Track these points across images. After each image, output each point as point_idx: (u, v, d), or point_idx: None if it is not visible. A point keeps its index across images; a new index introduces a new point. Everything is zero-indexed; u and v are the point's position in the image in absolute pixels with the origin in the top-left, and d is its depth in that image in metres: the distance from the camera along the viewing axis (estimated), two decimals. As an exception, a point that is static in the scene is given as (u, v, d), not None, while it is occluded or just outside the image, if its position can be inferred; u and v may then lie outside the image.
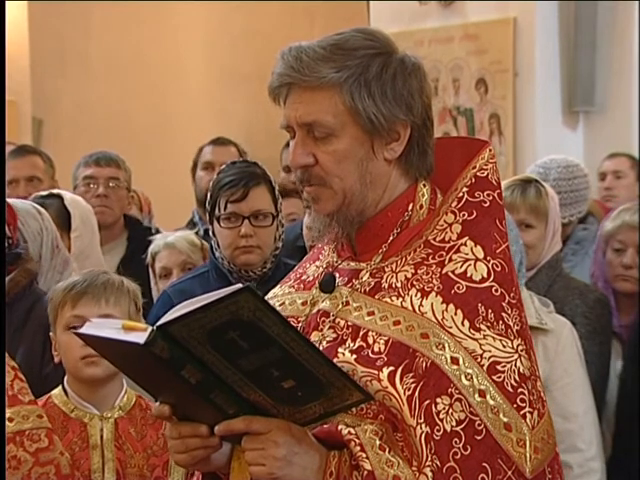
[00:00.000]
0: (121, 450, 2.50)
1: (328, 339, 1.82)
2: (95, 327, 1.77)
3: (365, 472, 1.69)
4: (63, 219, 3.53)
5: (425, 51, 6.08)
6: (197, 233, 3.67)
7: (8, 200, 3.15)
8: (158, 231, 4.37)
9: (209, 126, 8.11)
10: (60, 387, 2.55)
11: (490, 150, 1.91)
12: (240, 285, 1.61)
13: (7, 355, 2.23)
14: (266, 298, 1.98)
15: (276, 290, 2.01)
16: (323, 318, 1.85)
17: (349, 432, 1.71)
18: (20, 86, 7.78)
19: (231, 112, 8.32)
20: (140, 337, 1.63)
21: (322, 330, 1.83)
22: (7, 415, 2.15)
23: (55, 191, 3.91)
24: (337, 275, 1.88)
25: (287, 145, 5.08)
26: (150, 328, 1.64)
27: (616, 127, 6.02)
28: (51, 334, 2.55)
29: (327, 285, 1.87)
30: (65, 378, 2.55)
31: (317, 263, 1.96)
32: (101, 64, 8.23)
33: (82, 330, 1.78)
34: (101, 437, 2.50)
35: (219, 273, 3.15)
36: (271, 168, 3.28)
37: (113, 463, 2.49)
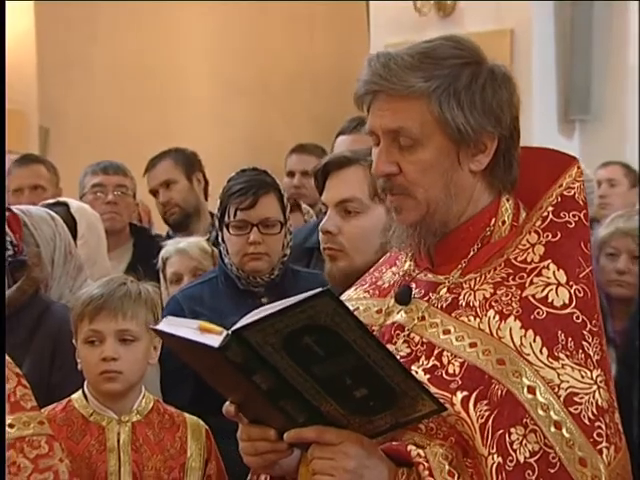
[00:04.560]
0: (138, 453, 2.49)
1: (402, 354, 1.75)
2: (172, 325, 1.74)
3: None
4: (69, 226, 3.50)
5: (424, 61, 6.08)
6: (209, 239, 3.67)
7: (20, 207, 3.16)
8: (169, 236, 4.40)
9: (211, 135, 8.11)
10: (80, 391, 2.54)
11: (578, 167, 1.83)
12: (320, 289, 1.54)
13: (11, 361, 2.19)
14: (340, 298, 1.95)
15: (350, 292, 1.94)
16: (398, 331, 1.78)
17: (418, 454, 1.66)
18: (27, 96, 7.76)
19: (233, 121, 8.32)
20: (215, 340, 1.59)
21: (396, 343, 1.77)
22: (8, 421, 2.11)
23: (61, 199, 3.89)
24: (413, 285, 1.82)
25: (292, 151, 5.13)
26: (225, 332, 1.59)
27: (611, 135, 6.03)
28: (73, 341, 2.54)
29: (403, 297, 1.81)
30: (85, 383, 2.54)
31: (393, 269, 1.89)
32: (106, 75, 8.21)
33: (159, 327, 1.75)
34: (118, 441, 2.49)
35: (227, 279, 3.13)
36: (274, 175, 3.28)
37: (129, 466, 2.48)
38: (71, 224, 3.55)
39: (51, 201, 3.80)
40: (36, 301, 2.85)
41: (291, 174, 4.96)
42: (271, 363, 1.60)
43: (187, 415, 2.60)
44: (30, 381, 2.24)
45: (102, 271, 3.47)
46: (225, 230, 3.15)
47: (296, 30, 8.28)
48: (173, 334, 1.71)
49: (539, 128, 6.06)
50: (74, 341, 2.55)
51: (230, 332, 1.59)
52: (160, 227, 5.22)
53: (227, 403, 1.75)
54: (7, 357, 2.22)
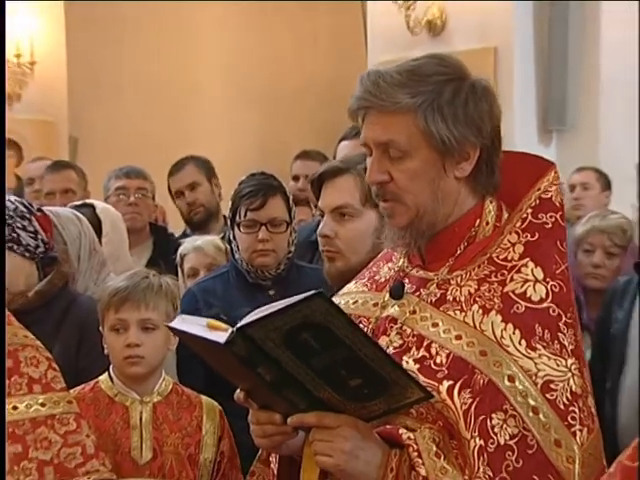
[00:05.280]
0: (158, 430, 2.49)
1: (395, 345, 1.75)
2: (184, 323, 1.75)
3: (420, 477, 1.64)
4: (95, 226, 3.51)
5: (416, 77, 6.08)
6: (223, 237, 3.66)
7: (49, 209, 3.16)
8: (185, 235, 4.40)
9: (225, 142, 8.12)
10: (106, 374, 2.55)
11: (555, 172, 1.82)
12: (314, 291, 1.55)
13: (42, 346, 2.20)
14: (342, 292, 1.95)
15: (351, 286, 1.95)
16: (391, 324, 1.79)
17: (408, 437, 1.66)
18: (58, 109, 7.76)
19: (246, 129, 8.32)
20: (221, 337, 1.60)
21: (390, 335, 1.77)
22: (40, 401, 2.13)
23: (88, 201, 3.91)
24: (406, 281, 1.82)
25: (297, 157, 5.13)
26: (231, 329, 1.60)
27: (585, 144, 6.02)
28: (100, 329, 2.54)
29: (397, 292, 1.81)
30: (111, 366, 2.55)
31: (389, 264, 1.90)
32: (130, 89, 8.21)
33: (173, 324, 1.77)
34: (140, 419, 2.50)
35: (238, 273, 3.13)
36: (281, 178, 3.28)
37: (150, 442, 2.48)
38: (96, 223, 3.56)
39: (78, 203, 3.81)
40: (65, 293, 2.85)
41: (296, 178, 4.96)
42: (273, 356, 1.61)
43: (203, 397, 2.60)
44: (59, 365, 2.24)
45: (124, 266, 3.47)
46: (236, 229, 3.15)
47: (302, 48, 8.30)
48: (185, 331, 1.72)
49: (520, 137, 6.04)
50: (101, 329, 2.55)
51: (235, 329, 1.59)
52: (174, 227, 5.22)
53: (237, 391, 1.75)
54: (38, 342, 2.22)
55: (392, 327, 1.78)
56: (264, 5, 8.20)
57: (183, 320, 1.78)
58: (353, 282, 1.95)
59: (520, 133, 6.05)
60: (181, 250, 3.69)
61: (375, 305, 1.84)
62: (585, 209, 4.76)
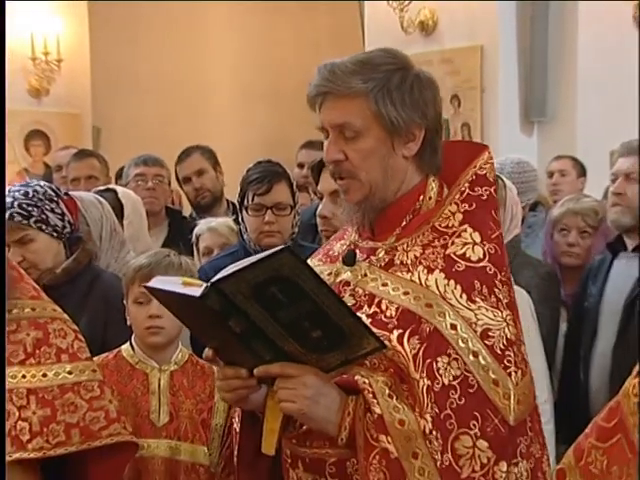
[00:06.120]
0: (175, 396, 2.49)
1: (349, 304, 1.74)
2: (160, 282, 1.75)
3: (376, 415, 1.64)
4: (117, 209, 3.51)
5: (409, 72, 6.06)
6: (236, 220, 3.67)
7: (74, 193, 3.15)
8: (193, 218, 4.40)
9: (233, 135, 8.11)
10: (128, 343, 2.55)
11: (489, 153, 1.86)
12: (282, 246, 1.56)
13: (69, 319, 2.19)
14: None
15: (307, 261, 1.96)
16: (345, 287, 1.80)
17: (364, 382, 1.67)
18: (83, 101, 7.75)
19: (252, 122, 8.30)
20: (196, 291, 1.59)
21: (343, 297, 1.77)
22: (67, 369, 2.12)
23: (111, 186, 3.91)
24: (358, 252, 1.83)
25: (302, 147, 5.11)
26: (205, 284, 1.59)
27: (563, 134, 6.00)
28: (124, 302, 2.54)
29: (349, 259, 1.82)
30: (132, 336, 2.54)
31: (342, 242, 1.91)
32: (148, 85, 8.18)
33: (150, 284, 1.76)
34: (159, 385, 2.50)
35: (246, 252, 3.10)
36: (287, 167, 3.27)
37: (167, 407, 2.48)
38: (118, 207, 3.56)
39: (102, 188, 3.81)
40: (89, 270, 2.85)
41: (301, 165, 4.95)
42: (243, 309, 1.60)
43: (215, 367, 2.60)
44: (86, 335, 2.24)
45: (144, 245, 3.48)
46: (244, 212, 3.15)
47: (303, 46, 8.25)
48: (161, 289, 1.71)
49: (504, 128, 6.04)
50: (125, 301, 2.55)
51: (209, 284, 1.58)
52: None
53: (206, 349, 1.76)
54: (66, 316, 2.22)
55: (345, 289, 1.80)
56: (267, 5, 8.16)
57: (160, 280, 1.78)
58: (309, 259, 1.96)
59: (504, 124, 6.04)
60: (196, 231, 3.69)
61: (329, 274, 1.84)
62: (562, 194, 4.74)
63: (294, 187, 3.17)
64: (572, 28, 5.99)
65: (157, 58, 8.24)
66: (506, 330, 1.72)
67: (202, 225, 3.70)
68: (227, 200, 4.54)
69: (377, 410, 1.65)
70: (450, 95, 6.11)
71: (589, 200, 3.72)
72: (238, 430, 1.89)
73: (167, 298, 1.75)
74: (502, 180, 3.48)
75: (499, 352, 1.70)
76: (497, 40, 6.00)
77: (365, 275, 1.79)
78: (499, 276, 1.76)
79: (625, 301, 3.07)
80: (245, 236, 3.17)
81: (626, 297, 3.08)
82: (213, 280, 1.59)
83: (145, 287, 1.80)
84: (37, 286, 2.24)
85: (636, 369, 1.44)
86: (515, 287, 3.08)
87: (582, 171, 5.14)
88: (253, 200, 3.10)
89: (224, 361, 1.74)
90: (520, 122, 6.09)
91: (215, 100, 8.45)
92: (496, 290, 1.74)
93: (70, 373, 2.13)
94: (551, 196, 4.92)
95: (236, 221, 3.34)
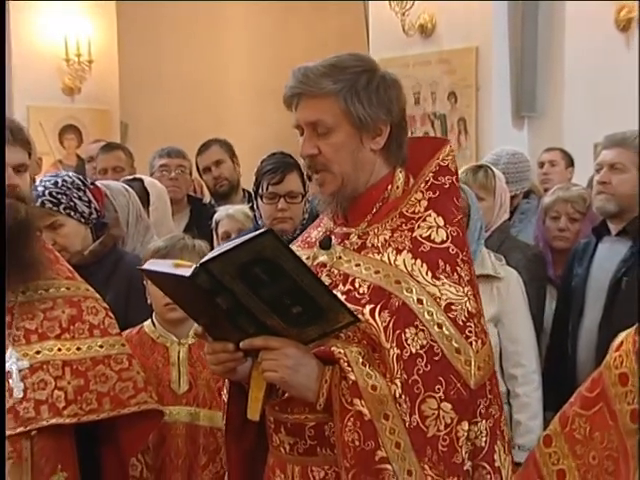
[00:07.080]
0: (193, 367, 2.50)
1: (325, 283, 1.74)
2: (154, 265, 1.77)
3: (350, 381, 1.67)
4: (143, 197, 3.52)
5: (410, 71, 6.03)
6: (252, 207, 3.67)
7: (104, 182, 3.15)
8: (211, 205, 4.40)
9: (249, 129, 8.09)
10: (150, 320, 2.55)
11: (450, 146, 1.89)
12: (264, 229, 1.57)
13: (100, 298, 2.20)
14: None
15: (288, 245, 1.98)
16: (322, 268, 1.82)
17: (339, 352, 1.70)
18: (111, 99, 7.75)
19: (266, 118, 8.26)
20: (187, 272, 1.60)
21: (321, 276, 1.79)
22: (99, 343, 2.13)
23: (138, 176, 3.92)
24: (333, 237, 1.86)
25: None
26: (194, 265, 1.60)
27: (552, 128, 5.97)
28: (144, 282, 2.54)
29: (325, 243, 1.85)
30: (153, 313, 2.54)
31: (319, 229, 1.93)
32: (171, 85, 8.18)
33: (144, 266, 1.78)
34: (178, 357, 2.51)
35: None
36: (298, 159, 3.27)
37: (187, 377, 2.49)
38: (144, 195, 3.56)
39: (130, 177, 3.81)
40: (114, 252, 2.85)
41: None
42: (229, 288, 1.61)
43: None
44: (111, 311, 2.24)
45: (168, 230, 3.49)
46: (259, 200, 3.14)
47: (313, 46, 8.21)
48: (155, 270, 1.72)
49: (497, 123, 6.01)
50: (144, 282, 2.54)
51: (198, 265, 1.60)
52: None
53: (195, 326, 1.77)
54: (97, 295, 2.22)
55: (322, 270, 1.82)
56: (280, 5, 8.13)
57: (153, 263, 1.79)
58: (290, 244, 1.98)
59: (497, 119, 6.01)
60: (216, 217, 3.69)
61: (308, 258, 1.85)
62: (552, 183, 4.73)
63: (305, 177, 3.16)
64: (559, 30, 5.95)
65: (179, 59, 8.24)
66: (467, 304, 1.74)
67: (221, 212, 3.71)
68: (243, 189, 4.54)
69: (352, 377, 1.67)
70: (447, 92, 6.09)
71: (577, 188, 3.72)
72: (226, 400, 1.91)
73: (160, 279, 1.76)
74: (492, 170, 3.48)
75: (461, 324, 1.72)
76: (491, 41, 5.97)
77: (340, 257, 1.82)
78: (461, 256, 1.78)
79: (610, 280, 3.05)
80: (260, 222, 3.16)
81: (611, 277, 3.06)
82: (202, 261, 1.60)
83: (140, 269, 1.81)
84: (71, 268, 2.24)
85: (616, 343, 1.43)
86: (507, 267, 3.16)
87: (570, 162, 5.12)
88: (267, 189, 3.09)
89: (213, 337, 1.75)
90: (512, 117, 6.06)
91: (232, 97, 8.43)
92: (458, 268, 1.76)
93: (101, 347, 2.14)
94: (542, 185, 4.90)
95: (251, 208, 3.34)
